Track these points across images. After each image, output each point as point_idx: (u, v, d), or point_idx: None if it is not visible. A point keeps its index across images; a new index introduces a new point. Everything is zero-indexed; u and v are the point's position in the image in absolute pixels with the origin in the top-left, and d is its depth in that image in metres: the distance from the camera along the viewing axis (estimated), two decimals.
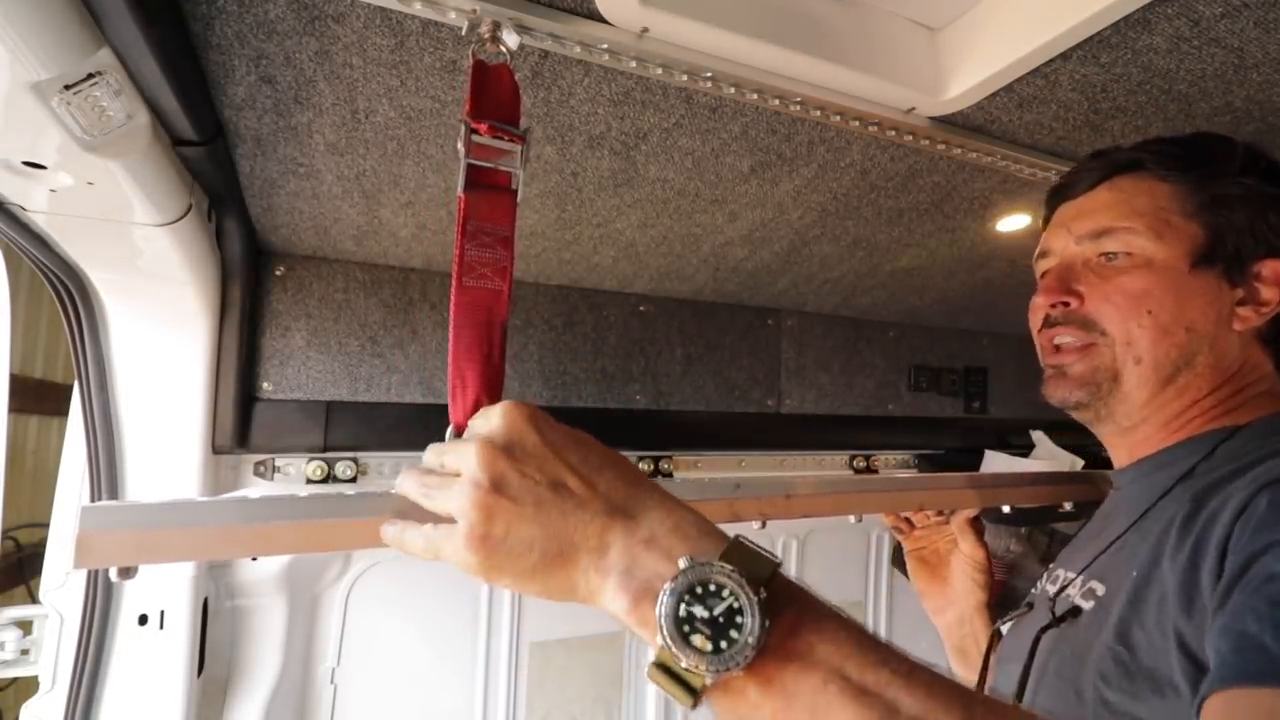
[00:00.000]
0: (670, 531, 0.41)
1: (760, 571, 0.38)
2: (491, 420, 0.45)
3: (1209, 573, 0.49)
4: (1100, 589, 0.63)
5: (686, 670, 0.36)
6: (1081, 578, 0.66)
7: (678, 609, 0.37)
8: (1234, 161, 0.66)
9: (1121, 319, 0.66)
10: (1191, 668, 0.48)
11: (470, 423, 0.48)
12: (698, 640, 0.36)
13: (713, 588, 0.37)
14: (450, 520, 0.44)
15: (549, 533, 0.41)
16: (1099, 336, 0.68)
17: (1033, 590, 0.78)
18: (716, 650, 0.36)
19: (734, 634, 0.36)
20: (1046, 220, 0.79)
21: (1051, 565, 0.78)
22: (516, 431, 0.44)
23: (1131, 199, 0.68)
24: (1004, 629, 0.79)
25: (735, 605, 0.37)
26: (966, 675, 0.91)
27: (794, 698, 0.36)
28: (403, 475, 0.48)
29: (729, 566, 0.38)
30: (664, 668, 0.37)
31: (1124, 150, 0.71)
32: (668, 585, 0.37)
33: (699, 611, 0.37)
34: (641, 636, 0.39)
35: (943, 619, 0.97)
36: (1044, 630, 0.63)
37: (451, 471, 0.45)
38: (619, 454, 0.47)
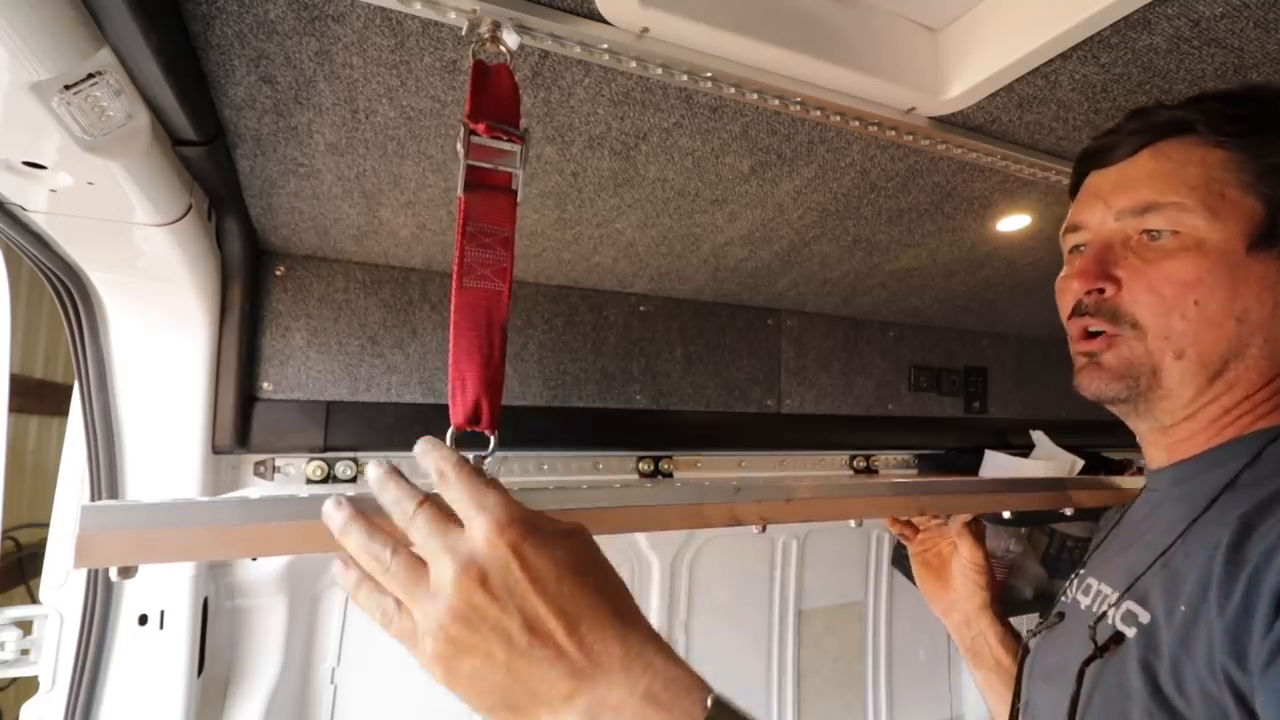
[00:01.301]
0: (643, 700, 0.39)
1: None
2: (474, 530, 0.42)
3: (1262, 619, 0.45)
4: (1144, 616, 0.56)
5: None
6: (1120, 598, 0.59)
7: None
8: None
9: (1164, 310, 0.58)
10: (1245, 716, 0.45)
11: (453, 493, 0.43)
12: None
13: None
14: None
15: (514, 680, 0.40)
16: (1127, 330, 0.61)
17: (1061, 598, 0.72)
18: None
19: None
20: (1075, 188, 0.70)
21: (1081, 571, 0.72)
22: (498, 555, 0.41)
23: (1181, 169, 0.59)
24: (1032, 642, 0.73)
25: None
26: (983, 675, 0.90)
27: None
28: (347, 521, 0.44)
29: None
30: None
31: (1170, 109, 0.61)
32: None
33: None
34: None
35: (950, 620, 0.96)
36: (1088, 662, 0.57)
37: (411, 548, 0.43)
38: (599, 563, 0.44)
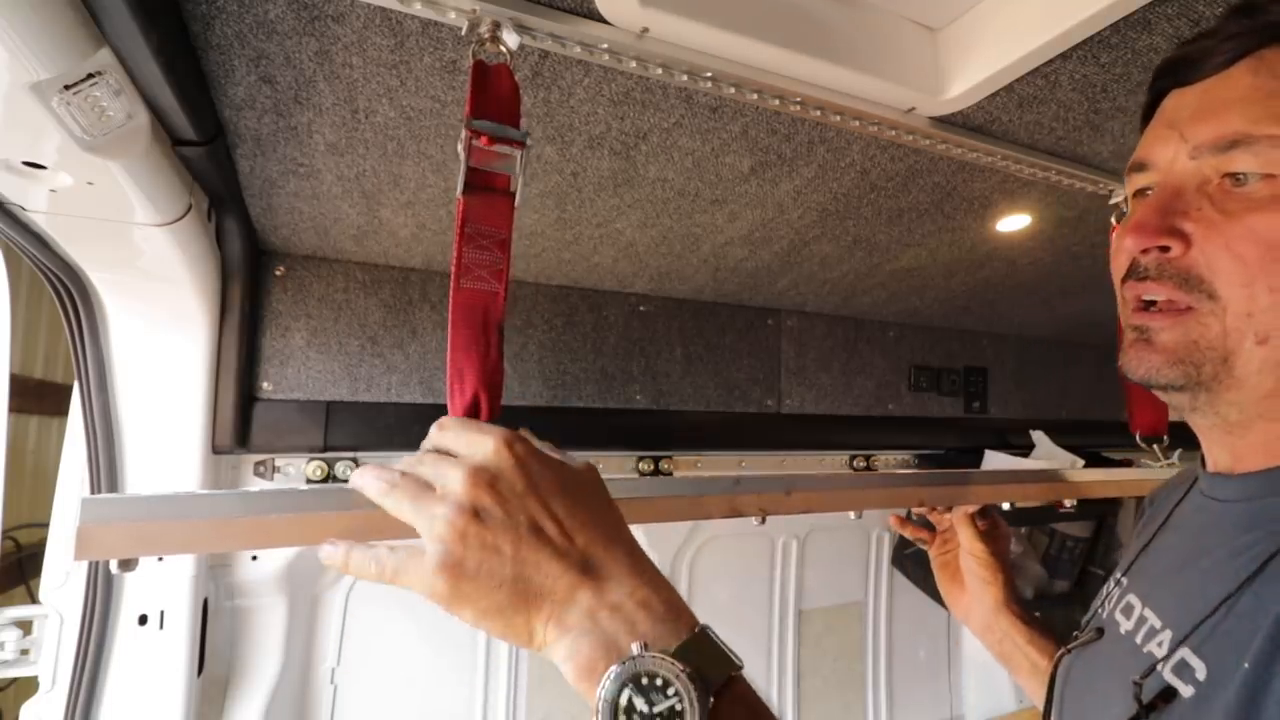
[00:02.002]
0: (637, 605, 0.40)
1: (715, 675, 0.37)
2: (482, 446, 0.43)
3: None
4: (1200, 670, 0.46)
5: None
6: (1173, 643, 0.50)
7: (618, 696, 0.36)
8: None
9: (1246, 279, 0.45)
10: None
11: (454, 436, 0.46)
12: None
13: (659, 683, 0.36)
14: (408, 534, 0.43)
15: (520, 574, 0.40)
16: (1204, 300, 0.47)
17: (1098, 609, 0.64)
18: None
19: None
20: (1148, 112, 0.56)
21: (1121, 579, 0.62)
22: (506, 465, 0.42)
23: None
24: (1065, 660, 0.65)
25: (678, 708, 0.35)
26: (1023, 683, 0.85)
27: None
28: (360, 470, 0.45)
29: (680, 666, 0.36)
30: None
31: None
32: (614, 669, 0.36)
33: (640, 704, 0.35)
34: (584, 696, 0.38)
35: (972, 627, 0.92)
36: None
37: (423, 479, 0.43)
38: (602, 493, 0.45)
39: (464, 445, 0.44)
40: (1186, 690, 0.46)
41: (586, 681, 0.38)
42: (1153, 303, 0.51)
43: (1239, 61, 0.48)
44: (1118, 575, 0.64)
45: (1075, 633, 0.64)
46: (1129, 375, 0.53)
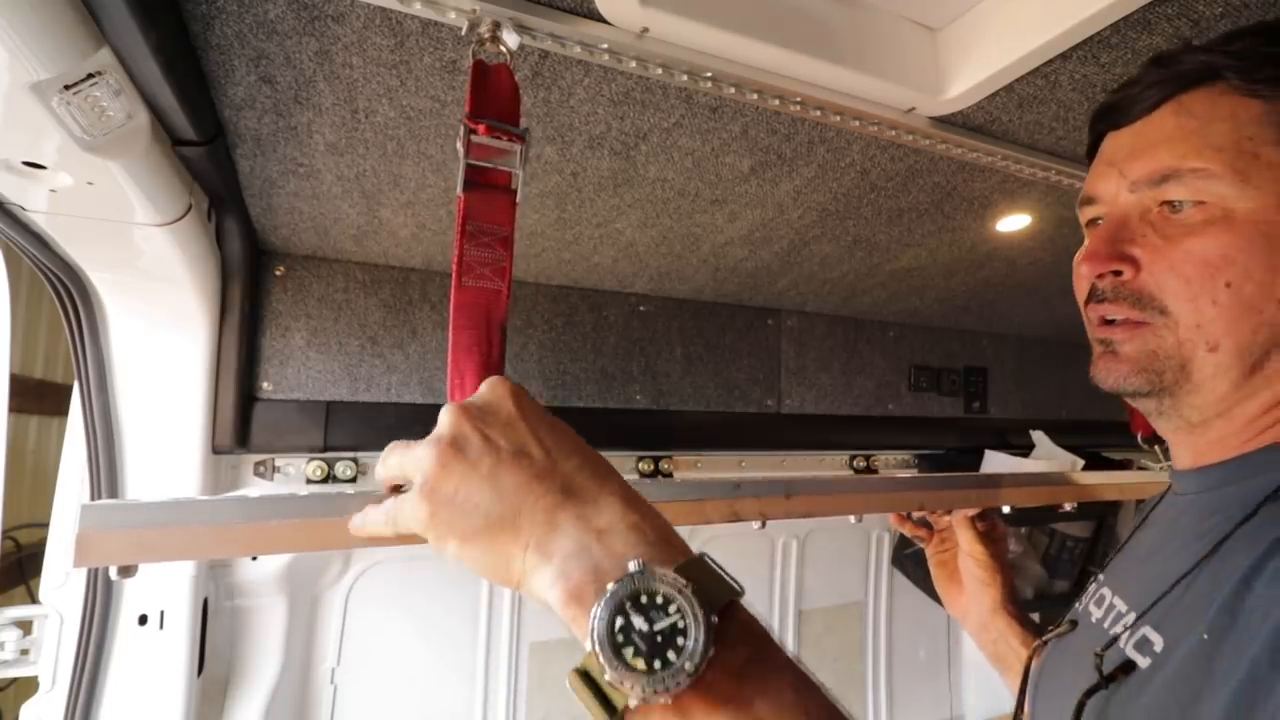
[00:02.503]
0: (629, 528, 0.38)
1: (717, 596, 0.35)
2: (478, 391, 0.45)
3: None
4: (1157, 641, 0.50)
5: (610, 685, 0.32)
6: (1136, 622, 0.53)
7: (615, 616, 0.33)
8: None
9: (1190, 294, 0.51)
10: None
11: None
12: (630, 654, 0.32)
13: (659, 600, 0.33)
14: (409, 541, 0.43)
15: (498, 497, 0.39)
16: (1157, 316, 0.53)
17: (1076, 604, 0.67)
18: (649, 669, 0.32)
19: (671, 655, 0.32)
20: (1091, 150, 0.62)
21: (1100, 576, 0.66)
22: (494, 398, 0.43)
23: (1205, 127, 0.51)
24: (1043, 650, 0.69)
25: (680, 625, 0.33)
26: (1013, 682, 0.84)
27: None
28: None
29: (683, 581, 0.34)
30: (586, 676, 0.33)
31: (1195, 53, 0.52)
32: (611, 586, 0.34)
33: (638, 623, 0.33)
34: (572, 632, 0.35)
35: (969, 627, 0.93)
36: (1089, 694, 0.51)
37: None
38: (587, 445, 0.44)
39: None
40: (1144, 662, 0.50)
41: (576, 607, 0.35)
42: (1114, 320, 0.56)
43: (1161, 105, 0.54)
44: (1099, 575, 0.68)
45: (1050, 626, 0.67)
46: (1101, 385, 0.58)
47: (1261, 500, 0.49)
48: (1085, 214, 0.61)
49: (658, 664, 0.32)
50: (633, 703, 0.32)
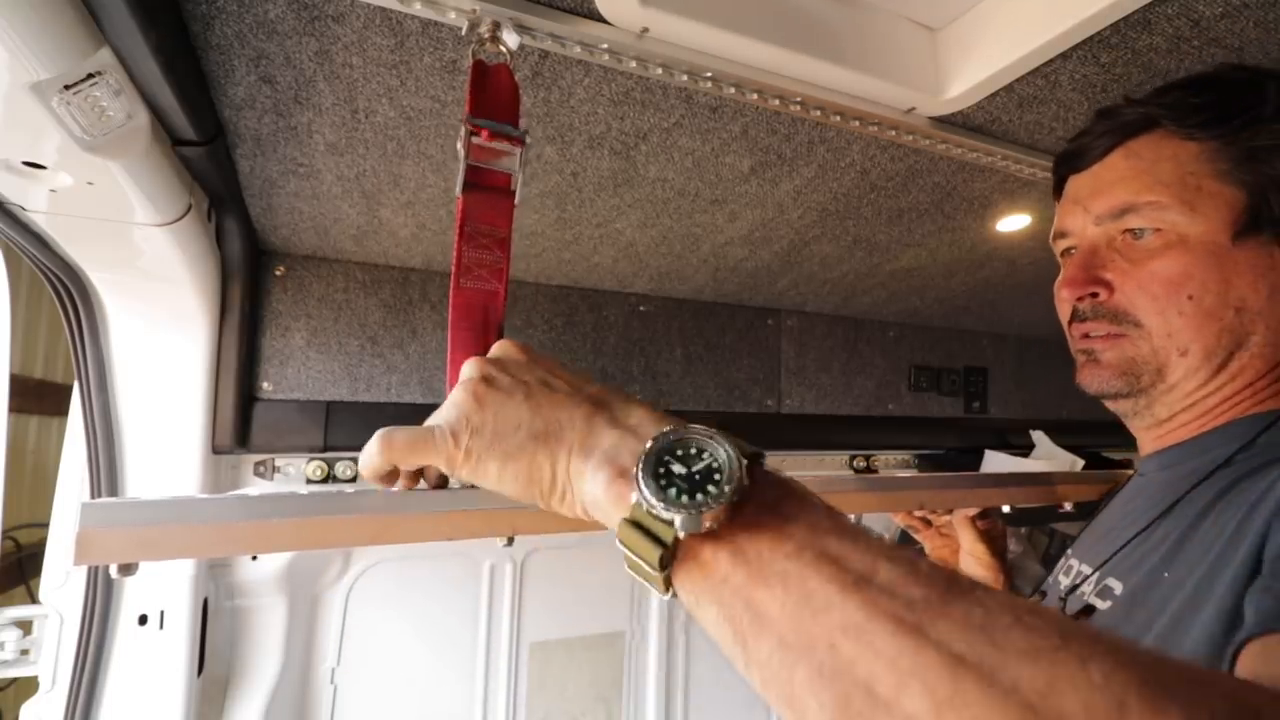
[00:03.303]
0: (659, 420, 0.41)
1: (745, 447, 0.37)
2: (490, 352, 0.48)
3: (1241, 566, 0.45)
4: (1117, 586, 0.57)
5: (657, 519, 0.35)
6: (1097, 574, 0.61)
7: (656, 464, 0.36)
8: (1266, 104, 0.57)
9: (1159, 309, 0.59)
10: (1211, 659, 0.44)
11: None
12: (673, 494, 0.35)
13: (694, 450, 0.36)
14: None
15: (536, 414, 0.42)
16: (1132, 328, 0.61)
17: (1048, 580, 0.74)
18: (692, 500, 0.34)
19: (711, 488, 0.35)
20: (1057, 191, 0.71)
21: (1068, 552, 0.73)
22: (509, 350, 0.47)
23: (1153, 167, 0.59)
24: None
25: (715, 465, 0.36)
26: None
27: (766, 564, 0.33)
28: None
29: (713, 430, 0.37)
30: (635, 524, 0.35)
31: (1135, 105, 0.61)
32: (649, 443, 0.37)
33: (677, 468, 0.36)
34: (616, 512, 0.37)
35: None
36: None
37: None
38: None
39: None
40: (1104, 605, 0.57)
41: (618, 487, 0.38)
42: (1095, 335, 0.64)
43: (1113, 150, 0.63)
44: (1068, 551, 0.73)
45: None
46: (1086, 389, 0.66)
47: (1213, 469, 0.56)
48: (1059, 246, 0.70)
49: (700, 496, 0.34)
50: (681, 534, 0.34)
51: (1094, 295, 0.63)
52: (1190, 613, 0.47)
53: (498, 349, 0.48)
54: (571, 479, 0.41)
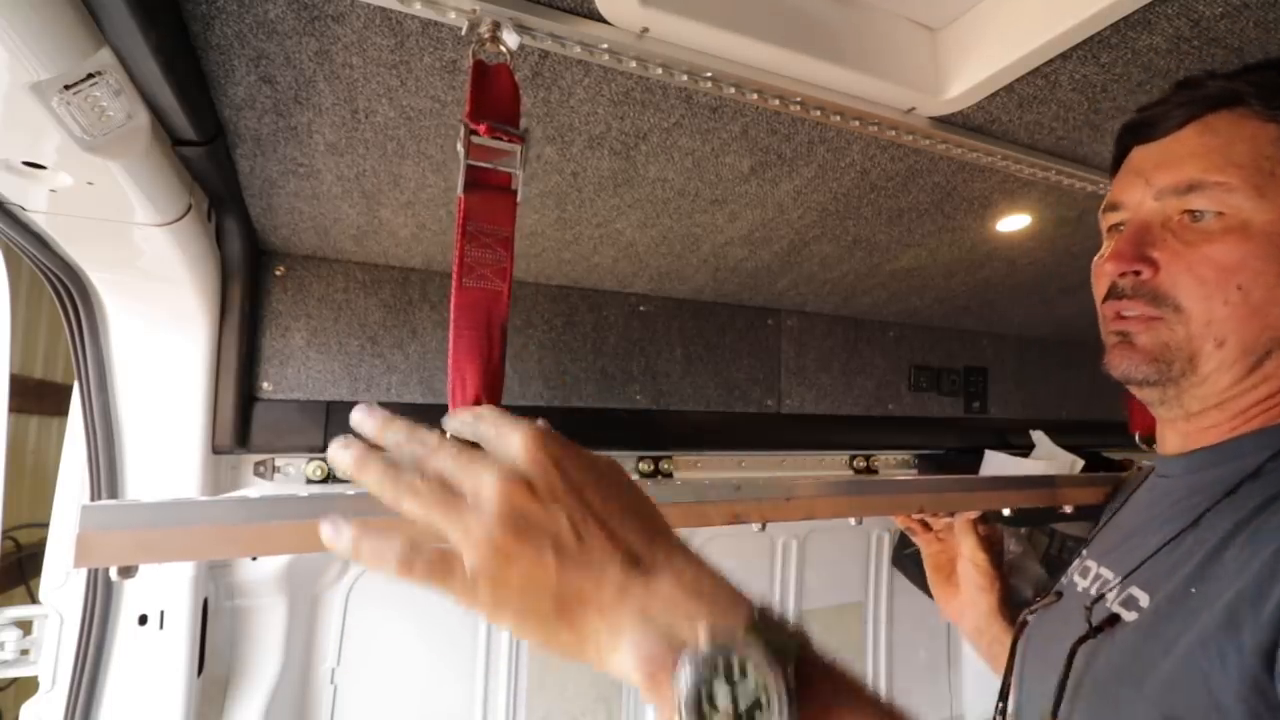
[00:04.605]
0: (691, 594, 0.38)
1: (788, 649, 0.35)
2: (510, 444, 0.40)
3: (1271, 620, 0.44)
4: (1143, 598, 0.55)
5: None
6: (1121, 583, 0.59)
7: (698, 691, 0.33)
8: None
9: (1204, 295, 0.56)
10: (1246, 691, 0.44)
11: (484, 427, 0.42)
12: None
13: (737, 671, 0.33)
14: (432, 539, 0.39)
15: (564, 581, 0.38)
16: (1170, 312, 0.58)
17: (1062, 579, 0.72)
18: None
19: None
20: (1116, 163, 0.67)
21: (1084, 551, 0.71)
22: (539, 465, 0.40)
23: (1228, 145, 0.56)
24: (1030, 618, 0.73)
25: (762, 699, 0.33)
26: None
27: None
28: (352, 453, 0.41)
29: (754, 640, 0.34)
30: None
31: (1221, 79, 0.58)
32: (686, 658, 0.34)
33: (722, 700, 0.33)
34: (658, 709, 0.35)
35: (963, 627, 0.94)
36: (1080, 642, 0.56)
37: (446, 478, 0.40)
38: (637, 489, 0.43)
39: (492, 440, 0.41)
40: (1130, 616, 0.55)
41: (655, 688, 0.35)
42: (1130, 315, 0.61)
43: (1188, 124, 0.59)
44: (1082, 551, 0.72)
45: (1035, 598, 0.72)
46: (1113, 373, 0.63)
47: (1242, 479, 0.54)
48: (1108, 219, 0.66)
49: None
50: None
51: (1136, 273, 0.59)
52: (1224, 639, 0.46)
53: (527, 457, 0.40)
54: (603, 654, 0.38)
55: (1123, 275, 0.61)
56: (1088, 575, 0.65)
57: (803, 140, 0.83)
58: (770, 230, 1.11)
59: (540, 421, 0.42)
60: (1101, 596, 0.59)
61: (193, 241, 0.86)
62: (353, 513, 0.49)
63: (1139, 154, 0.63)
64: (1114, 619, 0.56)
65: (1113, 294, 0.62)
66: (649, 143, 0.82)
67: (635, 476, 1.46)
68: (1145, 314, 0.59)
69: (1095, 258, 0.65)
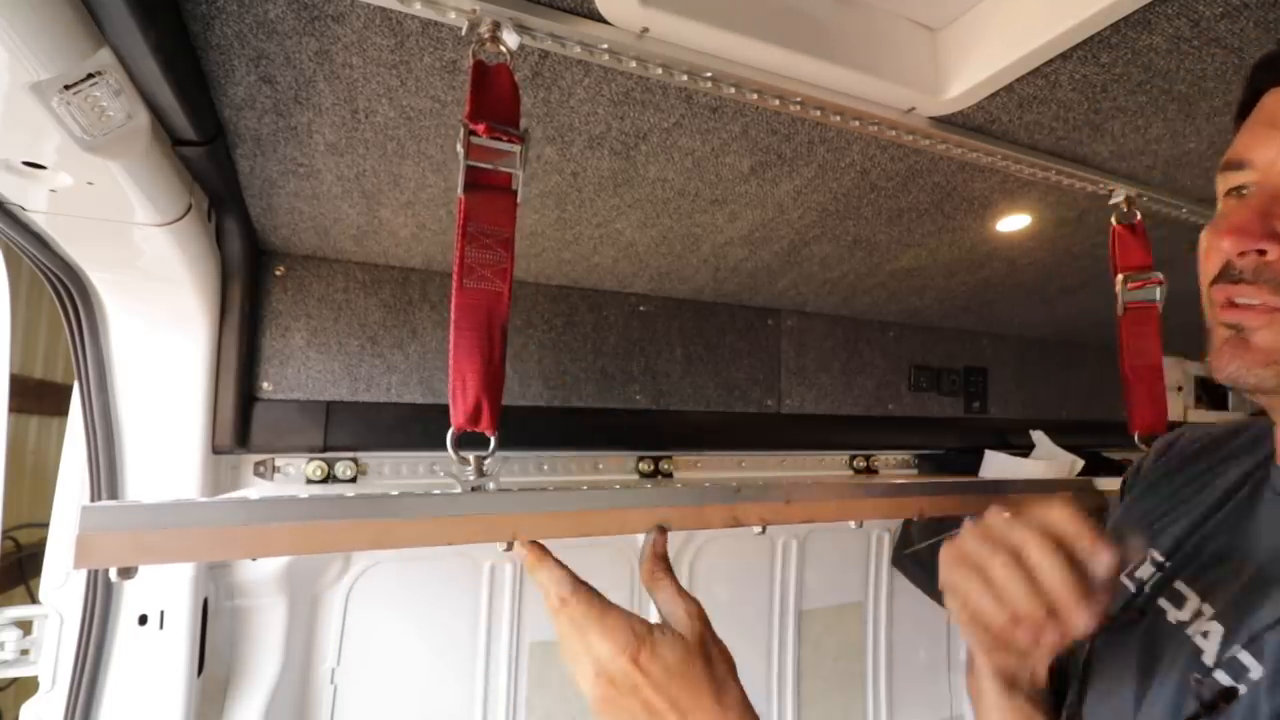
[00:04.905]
0: None
1: None
2: (602, 654, 0.53)
3: None
4: (1255, 670, 0.45)
5: None
6: (1227, 640, 0.48)
7: None
8: None
9: None
10: None
11: (572, 613, 0.55)
12: None
13: None
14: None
15: None
16: None
17: (1130, 588, 0.59)
18: None
19: None
20: (1245, 109, 0.52)
21: (1163, 562, 0.58)
22: (621, 671, 0.53)
23: None
24: (1099, 641, 0.59)
25: None
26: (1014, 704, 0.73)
27: None
28: (540, 557, 0.57)
29: None
30: None
31: None
32: None
33: None
34: None
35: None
36: None
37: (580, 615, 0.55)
38: (711, 661, 0.55)
39: (586, 628, 0.55)
40: (1243, 689, 0.45)
41: None
42: (1246, 304, 0.49)
43: None
44: (1156, 554, 0.59)
45: (1119, 611, 0.59)
46: (1217, 374, 0.50)
47: None
48: (1228, 180, 0.52)
49: None
50: None
51: (1261, 252, 0.47)
52: None
53: (610, 662, 0.54)
54: None
55: (1242, 255, 0.48)
56: (1183, 605, 0.54)
57: (803, 140, 0.83)
58: (770, 230, 1.11)
59: (624, 630, 0.55)
60: (1210, 670, 0.48)
61: (193, 241, 0.86)
62: (351, 515, 0.50)
63: (1276, 98, 0.49)
64: (1230, 693, 0.45)
65: (1226, 276, 0.49)
66: (649, 143, 0.82)
67: (635, 477, 1.46)
68: (1268, 304, 0.47)
69: (1207, 228, 0.52)
